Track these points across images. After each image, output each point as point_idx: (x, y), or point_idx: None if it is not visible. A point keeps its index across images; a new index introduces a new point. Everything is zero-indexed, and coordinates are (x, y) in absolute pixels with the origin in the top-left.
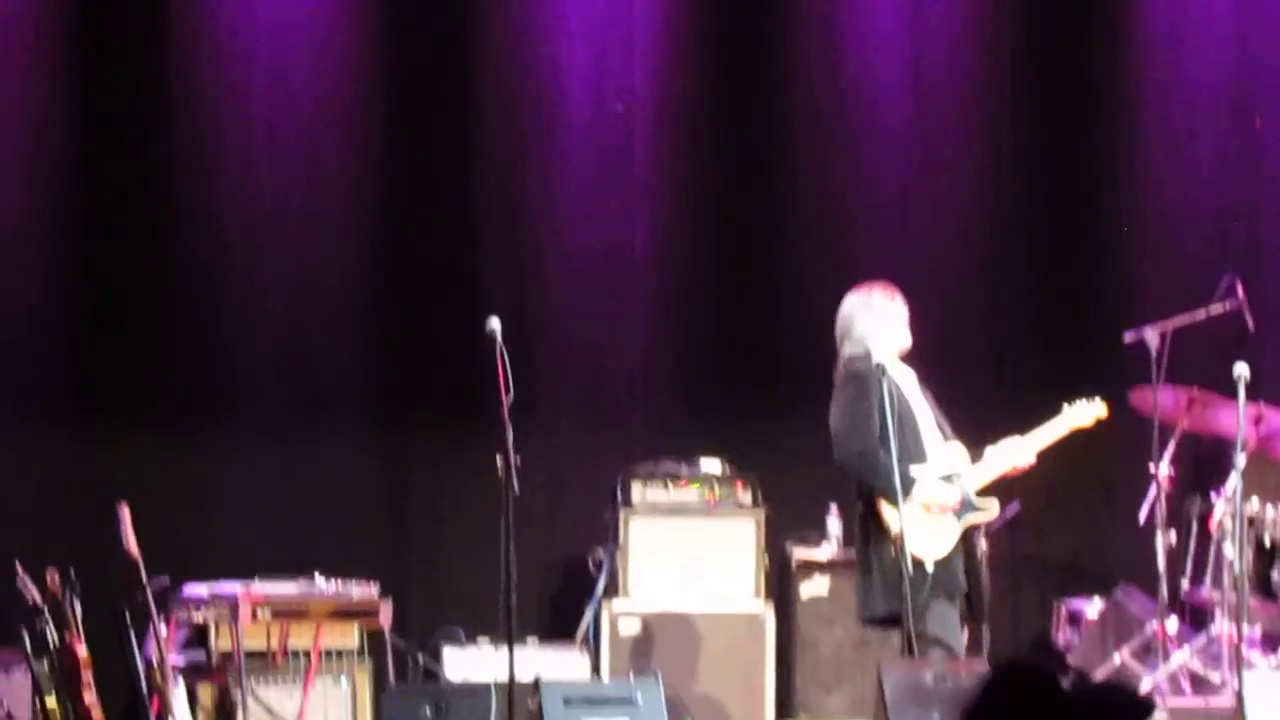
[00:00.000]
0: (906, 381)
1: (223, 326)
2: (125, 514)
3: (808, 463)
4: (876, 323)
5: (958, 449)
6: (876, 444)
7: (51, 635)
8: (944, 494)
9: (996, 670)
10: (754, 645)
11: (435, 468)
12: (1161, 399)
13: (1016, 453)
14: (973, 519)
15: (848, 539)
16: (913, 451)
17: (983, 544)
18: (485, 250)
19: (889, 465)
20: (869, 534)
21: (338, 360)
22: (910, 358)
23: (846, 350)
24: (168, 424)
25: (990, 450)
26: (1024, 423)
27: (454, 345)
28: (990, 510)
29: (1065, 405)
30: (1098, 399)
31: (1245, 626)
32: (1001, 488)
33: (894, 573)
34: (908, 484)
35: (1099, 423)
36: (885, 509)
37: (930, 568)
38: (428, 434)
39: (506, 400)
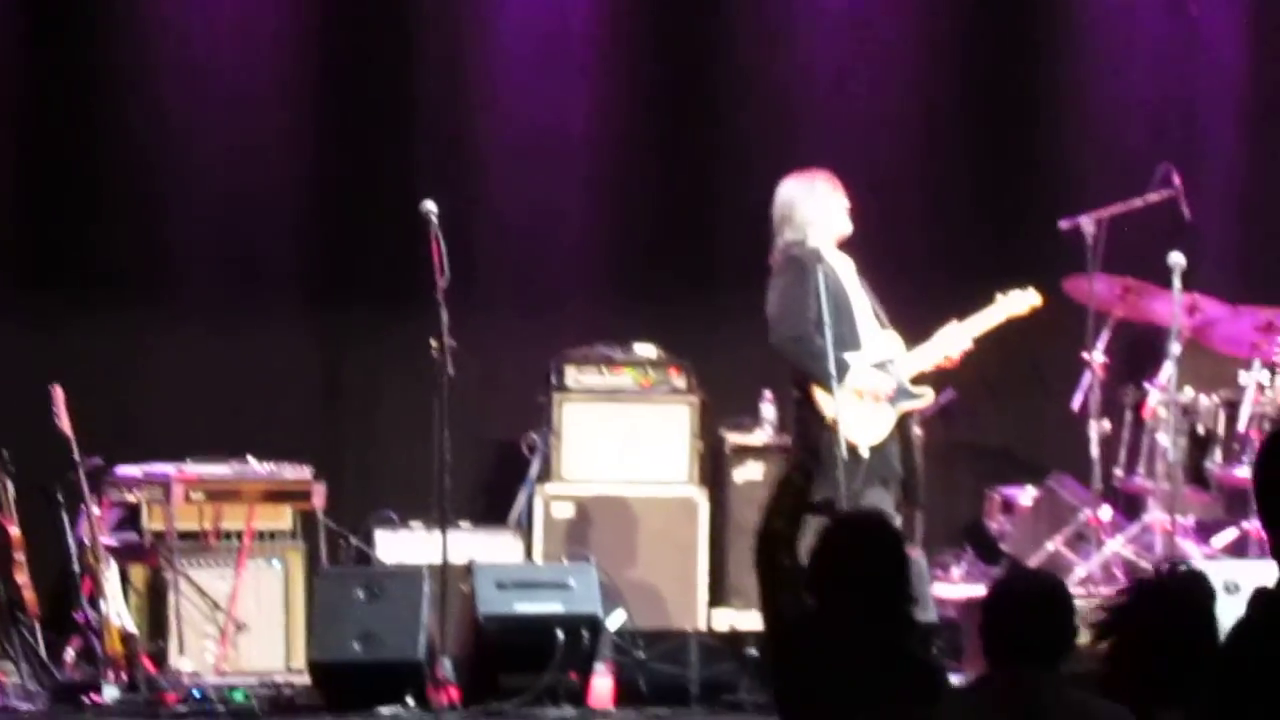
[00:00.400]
0: (844, 269)
1: (158, 207)
2: (59, 395)
3: (743, 348)
4: (817, 209)
5: (893, 337)
6: (812, 329)
7: None
8: (878, 381)
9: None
10: (687, 530)
11: (370, 350)
12: (1097, 287)
13: (952, 340)
14: (907, 406)
15: (782, 425)
16: (849, 339)
17: (917, 431)
18: (422, 132)
19: (824, 350)
20: (804, 420)
21: (273, 242)
22: (847, 246)
23: (786, 235)
24: (102, 305)
25: (925, 344)
26: (961, 311)
27: (390, 227)
28: (925, 398)
29: (999, 295)
30: (1031, 288)
31: (1178, 515)
32: (937, 376)
33: (829, 459)
34: (843, 370)
35: (1034, 310)
36: (820, 395)
37: (865, 454)
38: (362, 316)
39: (441, 283)
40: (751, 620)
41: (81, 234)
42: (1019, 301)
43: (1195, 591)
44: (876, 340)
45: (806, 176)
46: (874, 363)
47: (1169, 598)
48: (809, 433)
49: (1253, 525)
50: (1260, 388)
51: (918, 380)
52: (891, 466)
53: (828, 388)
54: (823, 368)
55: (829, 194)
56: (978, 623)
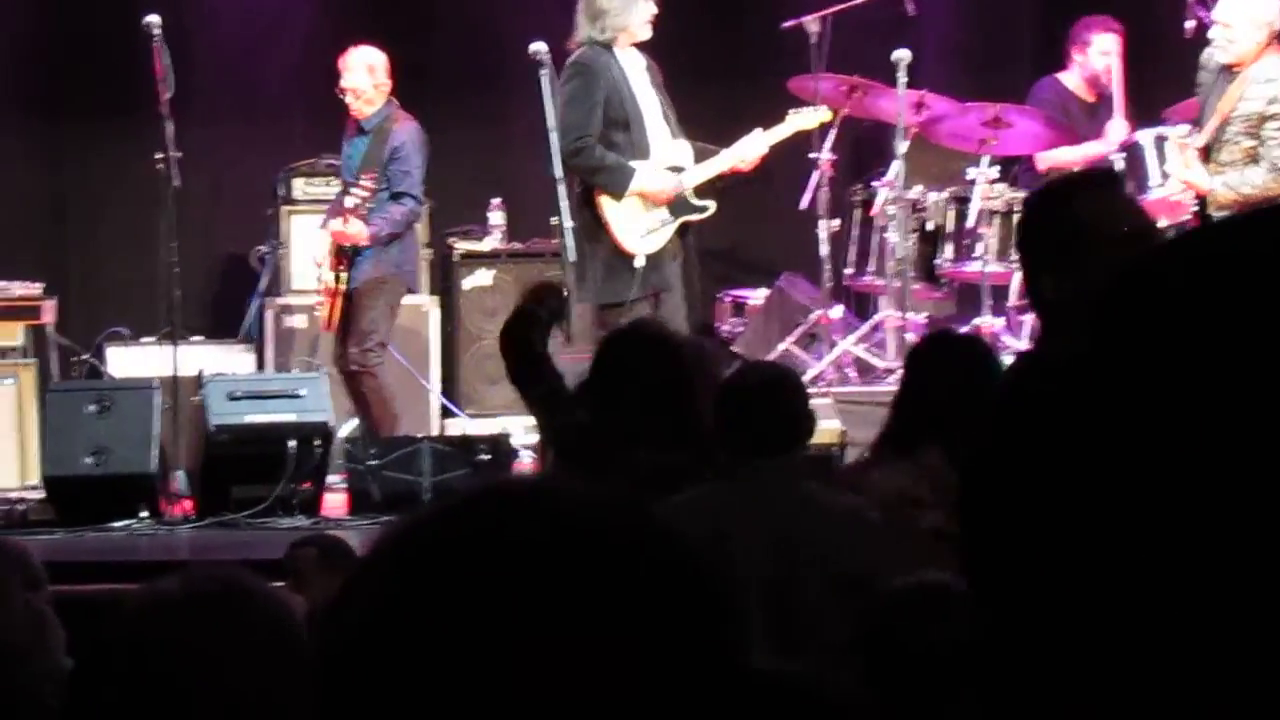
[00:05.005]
0: (636, 71)
1: None
2: None
3: (470, 154)
4: (621, 7)
5: (684, 146)
6: (593, 140)
7: None
8: (662, 182)
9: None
10: (419, 337)
11: (94, 164)
12: (822, 86)
13: (746, 150)
14: (689, 217)
15: (512, 232)
16: (637, 146)
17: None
18: None
19: (604, 159)
20: (586, 226)
21: None
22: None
23: (584, 29)
24: None
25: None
26: (692, 113)
27: (112, 41)
28: (708, 210)
29: (790, 112)
30: (823, 106)
31: (910, 313)
32: None
33: (612, 267)
34: (626, 176)
35: (822, 125)
36: (603, 201)
37: (640, 264)
38: (86, 131)
39: (165, 95)
40: (482, 426)
41: None
42: (810, 117)
43: (975, 342)
44: (667, 148)
45: None
46: (654, 170)
47: (952, 344)
48: (587, 238)
49: (984, 322)
50: (989, 182)
51: (702, 192)
52: (666, 278)
53: (612, 195)
54: (604, 177)
55: None
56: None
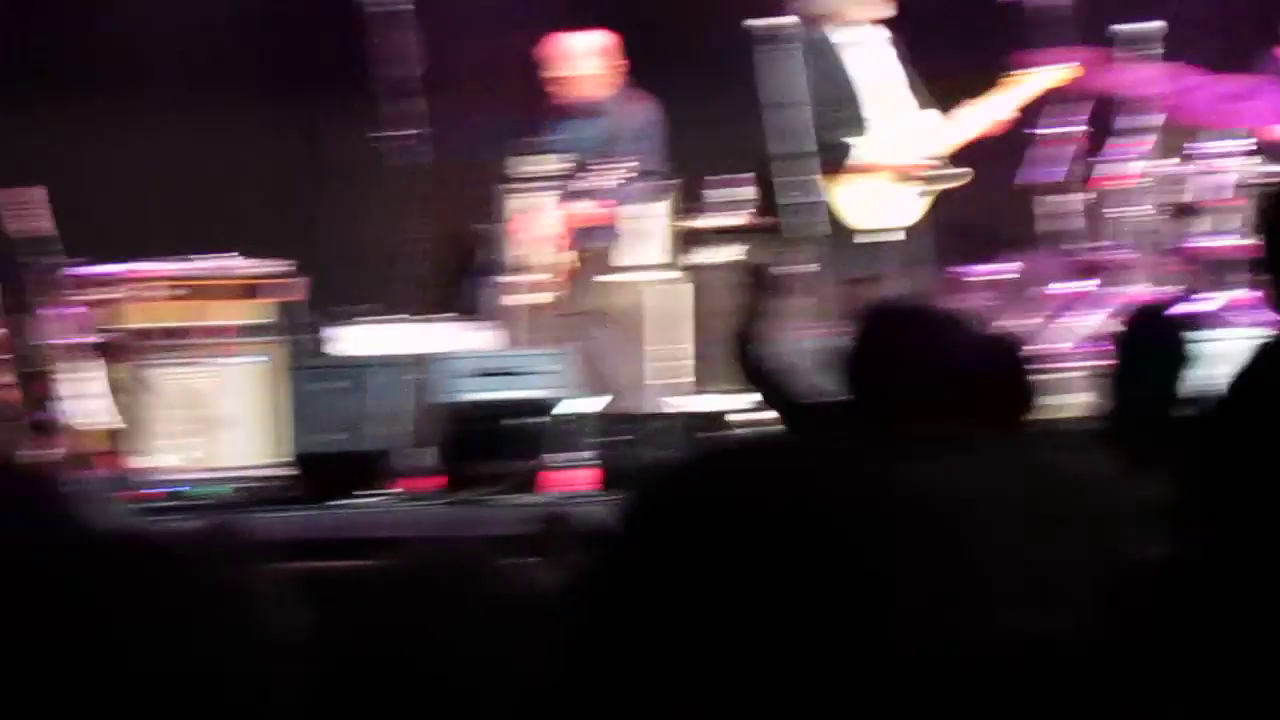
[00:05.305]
0: (863, 44)
1: (119, 5)
2: (39, 196)
3: (708, 129)
4: None
5: (931, 116)
6: (829, 113)
7: None
8: (903, 156)
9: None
10: (672, 314)
11: (336, 143)
12: (1066, 59)
13: (995, 111)
14: (941, 186)
15: (749, 208)
16: (865, 120)
17: None
18: None
19: (835, 134)
20: (830, 202)
21: (239, 35)
22: None
23: (803, 7)
24: (74, 104)
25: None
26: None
27: (348, 20)
28: (960, 178)
29: (1032, 71)
30: (1069, 63)
31: (1162, 286)
32: None
33: (857, 241)
34: (840, 153)
35: (1072, 79)
36: (846, 177)
37: (898, 237)
38: (327, 109)
39: (401, 74)
40: (734, 402)
41: (48, 36)
42: (1054, 75)
43: (1169, 323)
44: (912, 119)
45: None
46: (900, 141)
47: (1145, 323)
48: (831, 215)
49: (1236, 295)
50: (1238, 156)
51: (954, 160)
52: (912, 252)
53: (848, 172)
54: (837, 154)
55: None
56: None
